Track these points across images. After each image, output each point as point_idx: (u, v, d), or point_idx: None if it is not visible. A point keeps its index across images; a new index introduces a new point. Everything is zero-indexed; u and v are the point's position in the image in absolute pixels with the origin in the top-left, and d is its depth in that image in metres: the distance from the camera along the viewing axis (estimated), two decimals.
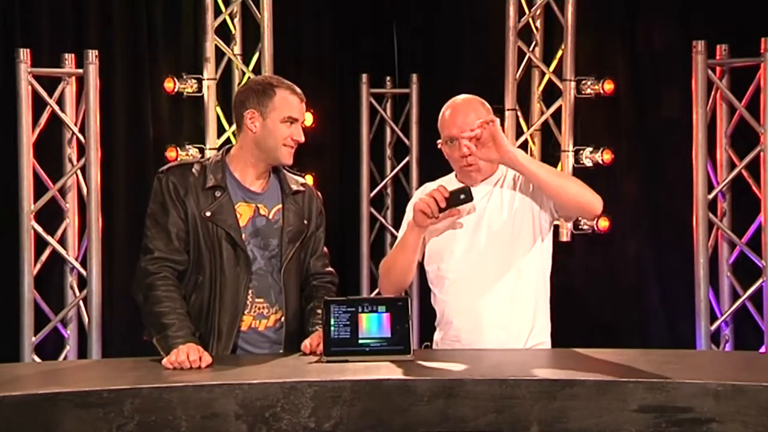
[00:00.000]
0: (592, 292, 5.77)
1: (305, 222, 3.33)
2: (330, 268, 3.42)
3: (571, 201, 3.26)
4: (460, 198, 3.24)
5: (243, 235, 3.23)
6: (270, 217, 3.29)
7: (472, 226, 3.34)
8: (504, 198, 3.35)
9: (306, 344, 3.15)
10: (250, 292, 3.23)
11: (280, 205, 3.31)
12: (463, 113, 3.33)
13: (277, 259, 3.27)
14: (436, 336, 3.45)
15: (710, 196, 5.33)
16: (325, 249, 3.43)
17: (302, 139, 3.28)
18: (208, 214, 3.21)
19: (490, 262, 3.33)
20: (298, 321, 3.31)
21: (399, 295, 3.37)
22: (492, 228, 3.32)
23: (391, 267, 3.40)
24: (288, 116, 3.24)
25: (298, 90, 3.29)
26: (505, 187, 3.37)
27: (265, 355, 3.20)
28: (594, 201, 3.26)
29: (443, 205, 3.24)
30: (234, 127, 3.43)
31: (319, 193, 3.45)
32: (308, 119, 5.70)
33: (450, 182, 3.43)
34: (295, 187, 3.34)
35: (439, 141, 3.41)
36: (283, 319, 3.28)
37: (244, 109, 3.27)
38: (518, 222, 3.33)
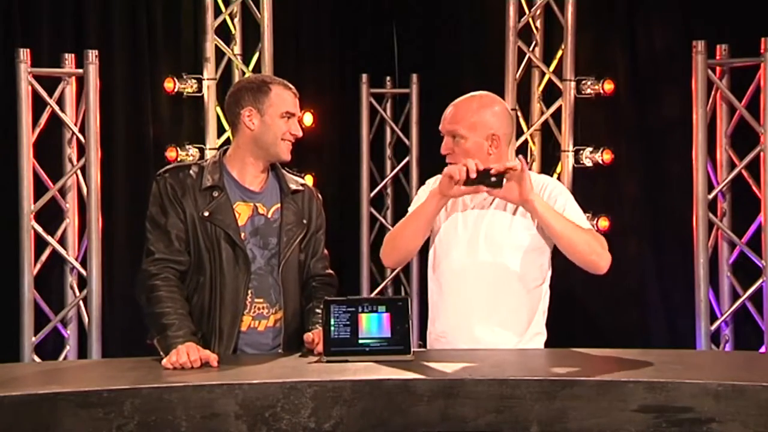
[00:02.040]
0: (592, 292, 5.77)
1: (304, 222, 3.33)
2: (330, 270, 3.42)
3: (576, 257, 3.28)
4: (491, 179, 3.17)
5: (242, 234, 3.23)
6: (269, 216, 3.29)
7: (473, 226, 3.34)
8: (508, 203, 3.34)
9: (309, 335, 3.14)
10: (249, 292, 3.24)
11: (279, 204, 3.31)
12: (454, 107, 3.35)
13: (276, 259, 3.27)
14: (429, 330, 3.46)
15: (710, 196, 5.33)
16: (326, 251, 3.43)
17: (300, 133, 3.29)
18: (206, 214, 3.21)
19: (487, 264, 3.32)
20: (298, 321, 3.31)
21: (399, 296, 3.37)
22: (492, 231, 3.31)
23: (400, 234, 3.36)
24: (286, 111, 3.26)
25: (291, 86, 3.31)
26: None
27: (265, 355, 3.20)
28: (600, 262, 3.27)
29: (473, 175, 3.16)
30: None
31: (319, 195, 3.45)
32: (308, 119, 5.71)
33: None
34: (294, 187, 3.34)
35: None
36: (282, 319, 3.28)
37: (239, 107, 3.27)
38: (520, 229, 3.32)
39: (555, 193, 3.35)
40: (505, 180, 3.19)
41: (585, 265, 3.29)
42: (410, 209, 3.44)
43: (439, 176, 3.45)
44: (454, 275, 3.35)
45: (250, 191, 3.29)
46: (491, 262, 3.31)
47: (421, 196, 3.42)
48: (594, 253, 3.26)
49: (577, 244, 3.24)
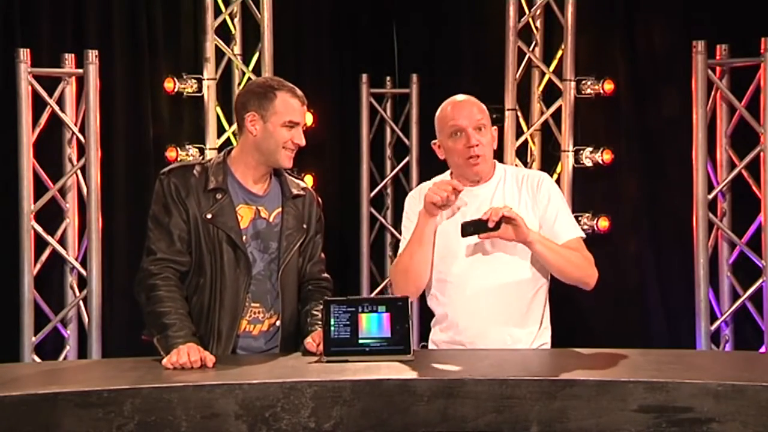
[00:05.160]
0: (592, 292, 5.76)
1: (304, 226, 3.33)
2: (326, 274, 3.42)
3: (567, 280, 3.40)
4: (487, 226, 3.20)
5: (244, 238, 3.22)
6: (270, 219, 3.28)
7: None
8: (506, 199, 3.34)
9: (309, 341, 3.14)
10: (248, 296, 3.23)
11: (280, 209, 3.30)
12: (467, 106, 3.38)
13: (275, 263, 3.26)
14: (437, 337, 3.44)
15: (710, 196, 5.33)
16: (323, 255, 3.43)
17: (303, 142, 3.26)
18: (209, 216, 3.20)
19: (494, 264, 3.33)
20: (295, 324, 3.31)
21: (399, 296, 3.36)
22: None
23: (409, 266, 3.37)
24: (289, 120, 3.23)
25: (300, 93, 3.27)
26: (507, 188, 3.38)
27: (265, 355, 3.21)
28: (590, 282, 3.42)
29: (452, 196, 3.24)
30: (233, 127, 3.43)
31: (319, 199, 3.44)
32: (308, 119, 5.69)
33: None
34: (295, 191, 3.33)
35: (434, 142, 3.42)
36: (278, 323, 3.28)
37: (245, 111, 3.25)
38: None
39: (547, 196, 3.38)
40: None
41: (574, 284, 3.41)
42: (403, 227, 3.46)
43: (423, 185, 3.50)
44: (461, 281, 3.35)
45: (253, 194, 3.28)
46: (498, 263, 3.32)
47: (409, 212, 3.45)
48: (585, 276, 3.40)
49: (571, 272, 3.37)
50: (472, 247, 3.34)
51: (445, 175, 3.47)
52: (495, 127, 3.44)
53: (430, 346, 3.46)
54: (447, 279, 3.37)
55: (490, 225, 3.19)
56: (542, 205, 3.37)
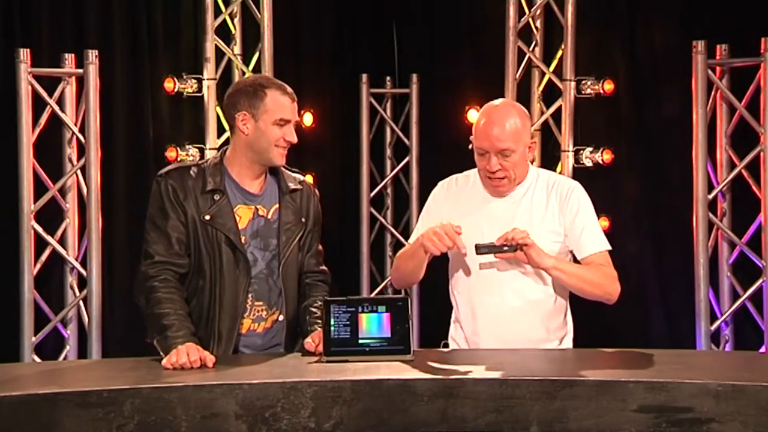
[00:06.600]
0: None
1: (303, 220, 3.32)
2: (323, 267, 3.42)
3: (586, 297, 3.36)
4: (503, 249, 3.20)
5: (243, 238, 3.22)
6: (269, 217, 3.28)
7: (499, 228, 3.28)
8: (534, 204, 3.33)
9: (309, 341, 3.15)
10: (250, 295, 3.23)
11: (278, 204, 3.29)
12: (499, 124, 3.28)
13: (276, 260, 3.26)
14: (454, 332, 3.45)
15: (710, 196, 5.33)
16: (320, 247, 3.42)
17: (295, 139, 3.25)
18: (207, 217, 3.19)
19: (514, 266, 3.31)
20: (297, 320, 3.32)
21: (399, 295, 3.36)
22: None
23: (399, 268, 3.43)
24: (280, 118, 3.20)
25: (289, 89, 3.25)
26: (536, 194, 3.36)
27: (265, 355, 3.21)
28: (610, 299, 3.36)
29: (446, 249, 3.21)
30: None
31: (316, 191, 3.43)
32: (308, 119, 5.71)
33: (468, 179, 3.43)
34: (292, 186, 3.32)
35: (471, 143, 3.37)
36: (280, 318, 3.28)
37: (235, 111, 3.23)
38: (545, 229, 3.32)
39: (576, 206, 3.36)
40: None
41: (595, 300, 3.37)
42: (420, 216, 3.46)
43: (453, 177, 3.48)
44: (480, 280, 3.34)
45: (250, 194, 3.27)
46: (518, 266, 3.30)
47: (430, 205, 3.44)
48: (605, 293, 3.35)
49: (591, 291, 3.34)
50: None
51: (474, 174, 3.44)
52: (533, 140, 3.36)
53: (450, 343, 3.46)
54: (465, 277, 3.37)
55: (505, 249, 3.20)
56: (570, 215, 3.34)
